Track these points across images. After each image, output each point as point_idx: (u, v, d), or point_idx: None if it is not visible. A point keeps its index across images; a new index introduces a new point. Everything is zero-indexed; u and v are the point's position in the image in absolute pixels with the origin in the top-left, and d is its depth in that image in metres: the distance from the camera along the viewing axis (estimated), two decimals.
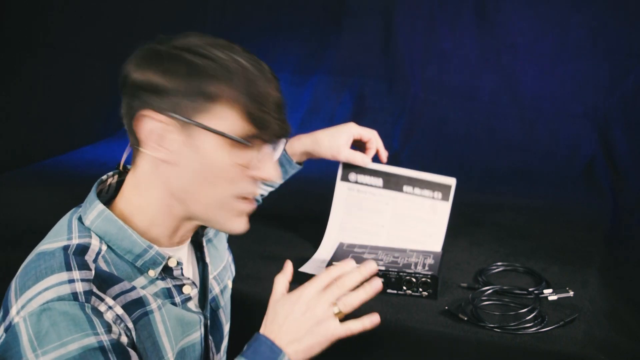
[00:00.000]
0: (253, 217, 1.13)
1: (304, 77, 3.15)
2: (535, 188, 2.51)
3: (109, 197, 1.14)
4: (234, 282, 1.40)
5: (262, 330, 1.10)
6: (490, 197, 2.34)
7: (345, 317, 1.11)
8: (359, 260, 1.50)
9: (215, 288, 1.28)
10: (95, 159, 2.84)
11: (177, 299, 1.13)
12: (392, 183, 1.70)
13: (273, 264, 1.62)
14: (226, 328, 1.31)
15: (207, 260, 1.25)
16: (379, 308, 1.40)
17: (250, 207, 1.11)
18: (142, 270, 1.08)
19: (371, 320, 1.14)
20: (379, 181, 1.71)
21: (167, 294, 1.11)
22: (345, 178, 1.73)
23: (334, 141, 1.64)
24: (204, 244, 1.26)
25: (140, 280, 1.08)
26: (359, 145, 1.69)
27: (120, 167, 1.17)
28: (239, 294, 1.42)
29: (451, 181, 1.69)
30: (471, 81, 2.94)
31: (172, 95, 1.02)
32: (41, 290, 0.95)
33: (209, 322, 1.21)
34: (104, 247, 1.06)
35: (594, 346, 1.25)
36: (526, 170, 2.68)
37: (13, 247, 1.73)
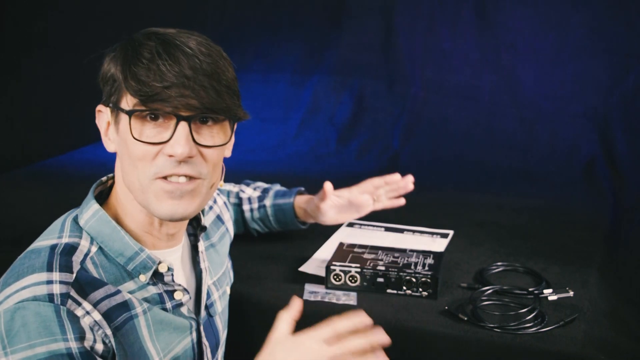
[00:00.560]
0: None
1: (304, 77, 3.15)
2: (535, 188, 2.51)
3: (105, 198, 1.14)
4: (233, 282, 1.40)
5: None
6: (490, 197, 2.34)
7: None
8: (360, 260, 1.50)
9: (214, 293, 1.27)
10: (95, 159, 2.83)
11: (169, 305, 1.12)
12: (394, 230, 1.86)
13: (273, 264, 1.62)
14: (223, 335, 1.30)
15: (203, 265, 1.23)
16: (379, 308, 1.40)
17: (171, 186, 1.03)
18: (133, 275, 1.08)
19: None
20: (381, 228, 1.87)
21: (159, 299, 1.10)
22: (349, 224, 1.89)
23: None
24: (202, 248, 1.25)
25: (128, 285, 1.07)
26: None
27: None
28: (238, 294, 1.42)
29: (449, 232, 1.84)
30: (471, 81, 2.94)
31: (105, 85, 1.07)
32: (19, 288, 0.95)
33: (202, 327, 1.20)
34: (94, 249, 1.06)
35: (594, 346, 1.25)
36: (526, 170, 2.68)
37: (13, 247, 1.73)
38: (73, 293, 0.97)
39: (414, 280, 1.42)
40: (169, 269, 1.11)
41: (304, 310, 1.03)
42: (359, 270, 1.45)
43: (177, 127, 1.01)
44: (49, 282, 0.96)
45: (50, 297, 0.95)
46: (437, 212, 2.11)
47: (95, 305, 0.99)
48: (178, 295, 1.13)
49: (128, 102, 1.02)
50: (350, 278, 1.46)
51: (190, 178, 1.04)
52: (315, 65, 3.17)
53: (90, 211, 1.08)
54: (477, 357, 1.27)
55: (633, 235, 2.12)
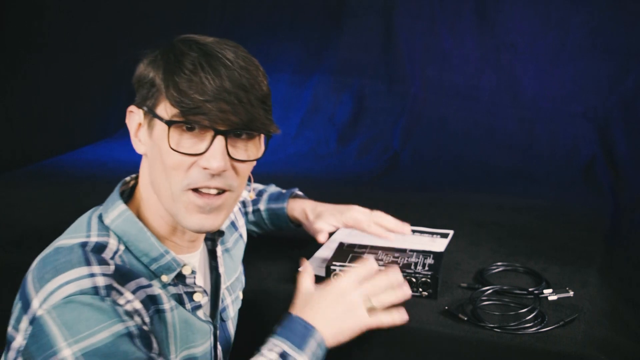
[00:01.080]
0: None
1: (304, 77, 3.15)
2: (535, 188, 2.51)
3: (126, 199, 1.14)
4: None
5: (293, 312, 1.15)
6: (490, 197, 2.34)
7: None
8: (360, 260, 1.50)
9: (227, 298, 1.28)
10: (95, 159, 2.84)
11: (188, 306, 1.13)
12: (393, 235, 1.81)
13: (273, 264, 1.62)
14: (232, 339, 1.31)
15: (221, 270, 1.25)
16: None
17: (202, 201, 1.05)
18: (156, 274, 1.09)
19: (401, 316, 1.21)
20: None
21: (178, 300, 1.12)
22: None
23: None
24: (220, 253, 1.26)
25: (154, 282, 1.08)
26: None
27: None
28: None
29: (449, 231, 1.81)
30: (471, 81, 2.94)
31: (141, 88, 1.07)
32: (62, 283, 0.96)
33: (218, 332, 1.22)
34: (122, 247, 1.07)
35: (594, 346, 1.25)
36: (526, 170, 2.68)
37: (13, 247, 1.74)
38: (115, 284, 0.99)
39: (414, 280, 1.42)
40: (193, 271, 1.13)
41: None
42: None
43: (214, 140, 1.02)
44: (92, 275, 0.97)
45: (95, 290, 0.96)
46: (437, 212, 2.11)
47: (133, 293, 1.01)
48: (197, 297, 1.14)
49: (167, 110, 1.03)
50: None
51: (221, 191, 1.06)
52: (315, 65, 3.18)
53: (116, 211, 1.09)
54: (477, 357, 1.26)
55: (633, 235, 2.13)
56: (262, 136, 1.11)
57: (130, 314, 0.98)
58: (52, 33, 2.98)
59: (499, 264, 1.61)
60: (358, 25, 3.13)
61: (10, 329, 1.01)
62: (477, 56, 2.93)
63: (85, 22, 3.09)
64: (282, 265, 1.61)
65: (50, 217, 1.95)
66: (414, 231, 1.81)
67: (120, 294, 0.99)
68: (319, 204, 1.62)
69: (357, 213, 1.58)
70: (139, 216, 1.11)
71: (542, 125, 2.81)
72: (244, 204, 1.67)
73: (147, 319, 1.03)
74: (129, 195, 1.15)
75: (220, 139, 1.02)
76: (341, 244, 1.62)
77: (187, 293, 1.13)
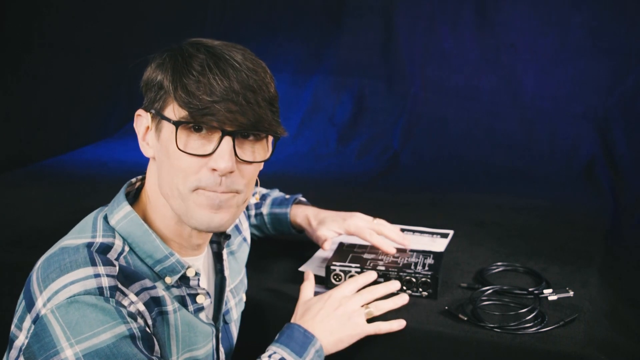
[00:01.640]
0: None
1: (304, 77, 3.15)
2: (535, 188, 2.51)
3: (132, 200, 1.14)
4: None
5: (293, 321, 1.20)
6: (490, 197, 2.34)
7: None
8: (360, 260, 1.50)
9: (230, 301, 1.28)
10: (95, 159, 2.84)
11: (191, 308, 1.13)
12: None
13: (273, 264, 1.62)
14: (234, 341, 1.32)
15: (226, 273, 1.25)
16: None
17: (213, 194, 1.05)
18: (160, 276, 1.09)
19: (399, 323, 1.28)
20: None
21: (181, 302, 1.12)
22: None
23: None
24: (225, 256, 1.26)
25: (158, 284, 1.09)
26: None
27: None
28: None
29: (449, 231, 1.81)
30: (471, 81, 2.94)
31: (149, 91, 1.07)
32: (67, 283, 0.96)
33: (220, 334, 1.22)
34: (127, 249, 1.07)
35: (594, 346, 1.25)
36: (526, 170, 2.68)
37: (13, 247, 1.73)
38: (119, 285, 0.99)
39: (414, 280, 1.42)
40: (197, 273, 1.13)
41: None
42: (359, 270, 1.45)
43: (222, 141, 1.03)
44: (97, 275, 0.98)
45: (100, 290, 0.97)
46: (437, 212, 2.11)
47: (137, 294, 1.02)
48: (200, 299, 1.14)
49: (175, 112, 1.03)
50: (351, 278, 1.46)
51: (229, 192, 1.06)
52: (315, 65, 3.18)
53: (121, 212, 1.09)
54: (477, 357, 1.26)
55: (633, 235, 2.13)
56: (270, 138, 1.10)
57: (133, 316, 0.98)
58: (52, 33, 2.98)
59: (499, 264, 1.61)
60: (358, 25, 3.12)
61: (13, 328, 1.01)
62: (477, 56, 2.93)
63: (85, 22, 3.09)
64: (285, 267, 1.61)
65: (50, 217, 1.95)
66: (414, 231, 1.81)
67: (125, 295, 0.99)
68: (322, 211, 1.62)
69: (359, 220, 1.58)
70: (145, 218, 1.11)
71: (542, 125, 2.81)
72: (247, 207, 1.67)
73: (149, 321, 1.03)
74: (134, 197, 1.15)
75: (227, 140, 1.03)
76: (341, 244, 1.62)
77: (190, 295, 1.13)
